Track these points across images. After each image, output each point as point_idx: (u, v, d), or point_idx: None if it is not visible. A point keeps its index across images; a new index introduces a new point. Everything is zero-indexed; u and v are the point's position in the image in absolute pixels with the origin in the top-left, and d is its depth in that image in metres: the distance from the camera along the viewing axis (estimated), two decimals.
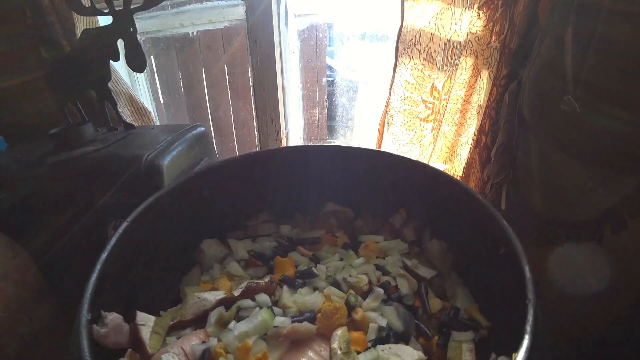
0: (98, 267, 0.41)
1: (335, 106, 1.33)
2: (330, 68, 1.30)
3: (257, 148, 1.41)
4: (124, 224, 0.47)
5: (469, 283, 0.56)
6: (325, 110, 1.34)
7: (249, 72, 0.85)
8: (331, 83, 1.33)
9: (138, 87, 1.12)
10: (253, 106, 0.87)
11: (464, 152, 0.74)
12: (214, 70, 1.28)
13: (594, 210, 0.67)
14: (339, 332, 0.44)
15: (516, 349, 0.42)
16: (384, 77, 1.05)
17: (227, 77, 1.29)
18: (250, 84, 0.86)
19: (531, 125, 0.64)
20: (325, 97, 1.31)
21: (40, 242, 0.65)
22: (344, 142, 1.27)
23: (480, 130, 0.71)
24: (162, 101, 1.31)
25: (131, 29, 0.64)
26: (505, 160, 0.68)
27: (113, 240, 0.45)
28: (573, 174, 0.64)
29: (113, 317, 0.44)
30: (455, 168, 0.77)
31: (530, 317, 0.34)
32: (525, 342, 0.32)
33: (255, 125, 1.37)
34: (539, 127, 0.63)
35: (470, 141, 0.72)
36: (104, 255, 0.43)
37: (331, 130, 1.37)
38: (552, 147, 0.63)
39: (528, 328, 0.33)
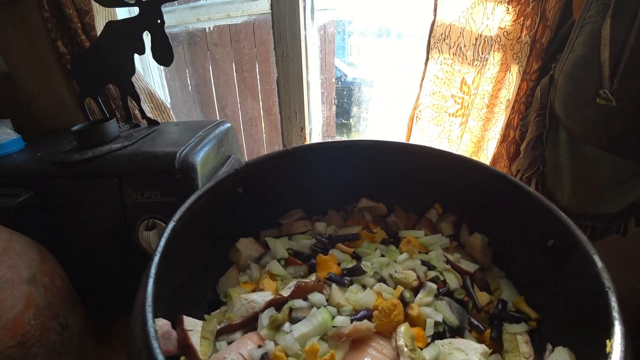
0: (153, 270, 0.38)
1: (342, 104, 1.31)
2: (336, 67, 1.27)
3: (265, 145, 1.38)
4: (171, 224, 0.44)
5: (510, 275, 0.55)
6: (334, 108, 1.31)
7: (270, 68, 0.82)
8: (339, 81, 1.31)
9: (153, 84, 1.07)
10: (277, 101, 0.83)
11: (491, 146, 0.72)
12: (223, 67, 1.24)
13: (620, 203, 0.67)
14: (402, 328, 0.42)
15: (573, 338, 0.41)
16: (398, 74, 1.03)
17: (235, 74, 1.26)
18: (269, 80, 0.82)
19: (563, 120, 0.63)
20: (334, 94, 1.29)
21: (65, 246, 0.61)
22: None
23: (509, 125, 0.70)
24: (169, 99, 1.26)
25: (158, 21, 0.60)
26: (535, 155, 0.67)
27: (162, 241, 0.41)
28: (603, 168, 0.64)
29: (162, 324, 0.41)
30: None
31: (614, 304, 0.33)
32: (618, 328, 0.31)
33: (264, 123, 1.34)
34: (571, 121, 0.62)
35: (498, 136, 0.71)
36: (157, 258, 0.39)
37: (338, 127, 1.35)
38: (583, 141, 0.62)
39: (616, 314, 0.32)
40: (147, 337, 0.31)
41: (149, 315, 0.33)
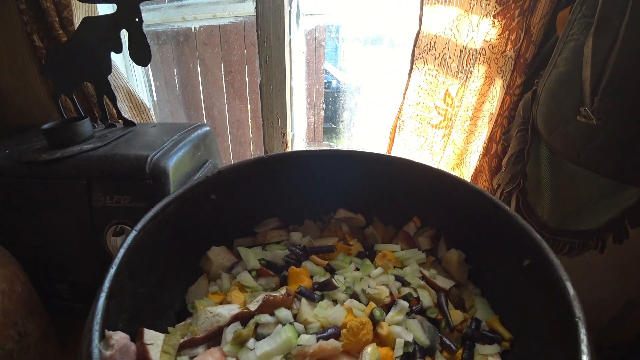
0: (107, 284, 0.35)
1: (330, 109, 1.29)
2: (326, 71, 1.26)
3: (252, 148, 1.36)
4: (133, 233, 0.42)
5: (486, 293, 0.54)
6: (322, 113, 1.30)
7: (257, 71, 0.80)
8: (327, 85, 1.30)
9: (135, 83, 1.04)
10: (260, 106, 0.81)
11: (473, 159, 0.71)
12: (211, 68, 1.21)
13: (599, 220, 0.67)
14: (369, 349, 0.40)
15: None
16: (386, 82, 1.02)
17: (223, 75, 1.23)
18: (257, 83, 0.80)
19: (544, 135, 0.62)
20: (322, 99, 1.27)
21: (30, 248, 0.58)
22: (345, 146, 1.23)
23: (491, 139, 0.69)
24: (155, 99, 1.23)
25: (137, 19, 0.57)
26: (516, 170, 0.66)
27: (121, 252, 0.39)
28: (582, 185, 0.63)
29: (119, 337, 0.38)
30: (463, 175, 0.74)
31: (583, 337, 0.32)
32: None
33: (251, 125, 1.31)
34: (552, 137, 0.61)
35: (480, 149, 0.70)
36: (113, 270, 0.37)
37: (326, 133, 1.34)
38: (564, 157, 0.62)
39: (584, 348, 0.31)
40: (90, 357, 0.29)
41: (95, 335, 0.30)
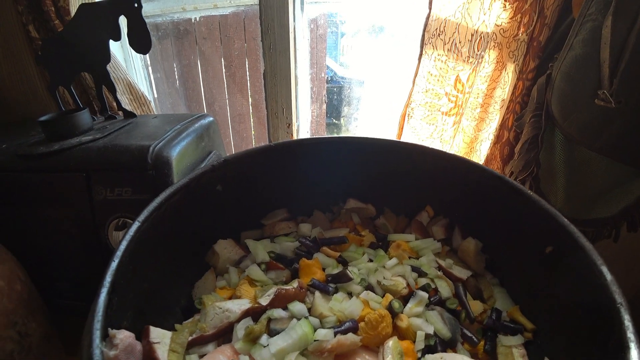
0: (108, 278, 0.32)
1: (333, 103, 1.26)
2: (327, 66, 1.23)
3: (254, 143, 1.32)
4: (135, 225, 0.38)
5: (504, 283, 0.51)
6: (324, 106, 1.27)
7: (258, 64, 0.76)
8: (328, 80, 1.26)
9: (135, 76, 1.00)
10: (264, 96, 0.77)
11: (484, 147, 0.68)
12: (211, 62, 1.18)
13: (613, 208, 0.64)
14: (390, 343, 0.37)
15: (572, 353, 0.37)
16: (389, 75, 0.99)
17: (224, 70, 1.20)
18: (259, 76, 0.77)
19: (559, 121, 0.59)
20: (325, 92, 1.24)
21: (28, 245, 0.54)
22: None
23: (503, 126, 0.66)
24: (155, 93, 1.19)
25: (136, 5, 0.54)
26: (530, 157, 0.63)
27: (123, 244, 0.36)
28: (597, 172, 0.60)
29: (123, 336, 0.35)
30: None
31: (628, 323, 0.29)
32: (634, 352, 0.27)
33: (253, 121, 1.28)
34: (568, 122, 0.58)
35: (491, 137, 0.67)
36: (115, 264, 0.34)
37: (327, 128, 1.31)
38: (579, 144, 0.59)
39: (631, 335, 0.28)
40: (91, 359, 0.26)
41: (96, 334, 0.27)
